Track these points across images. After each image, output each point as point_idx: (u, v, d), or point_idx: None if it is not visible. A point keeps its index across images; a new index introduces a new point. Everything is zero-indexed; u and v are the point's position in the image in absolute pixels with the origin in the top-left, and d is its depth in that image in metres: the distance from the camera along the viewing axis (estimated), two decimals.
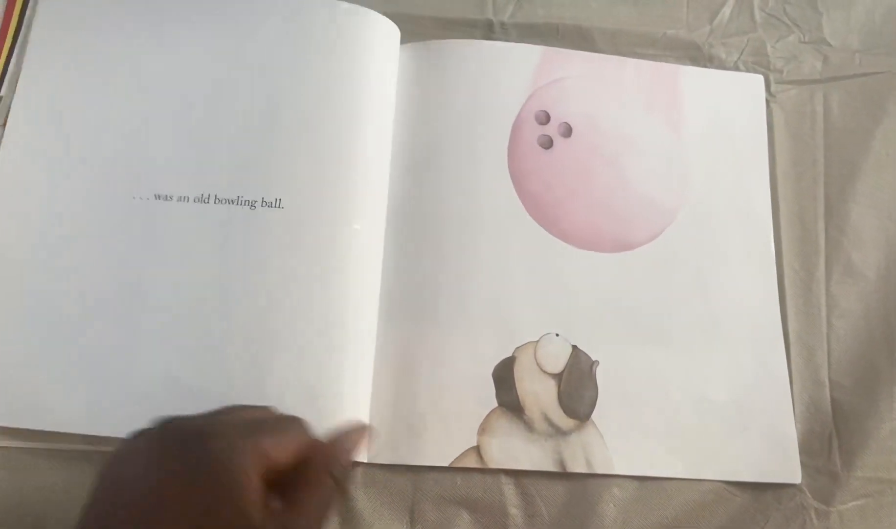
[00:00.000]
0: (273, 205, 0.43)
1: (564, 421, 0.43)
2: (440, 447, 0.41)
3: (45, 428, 0.39)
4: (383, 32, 0.47)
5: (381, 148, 0.45)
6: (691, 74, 0.50)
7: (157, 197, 0.43)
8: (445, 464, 0.41)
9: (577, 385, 0.43)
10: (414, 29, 0.49)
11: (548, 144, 0.47)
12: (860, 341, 0.46)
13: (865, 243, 0.48)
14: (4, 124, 0.44)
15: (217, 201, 0.43)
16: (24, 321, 0.41)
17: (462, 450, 0.41)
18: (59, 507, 0.39)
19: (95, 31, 0.46)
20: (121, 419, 0.38)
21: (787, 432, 0.44)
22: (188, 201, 0.43)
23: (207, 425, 0.31)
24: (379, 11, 0.48)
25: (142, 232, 0.42)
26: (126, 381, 0.40)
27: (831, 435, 0.44)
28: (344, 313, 0.42)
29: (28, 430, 0.39)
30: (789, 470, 0.43)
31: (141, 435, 0.30)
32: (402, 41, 0.48)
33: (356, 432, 0.37)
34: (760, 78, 0.50)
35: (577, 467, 0.42)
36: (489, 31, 0.49)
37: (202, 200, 0.43)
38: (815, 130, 0.50)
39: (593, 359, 0.44)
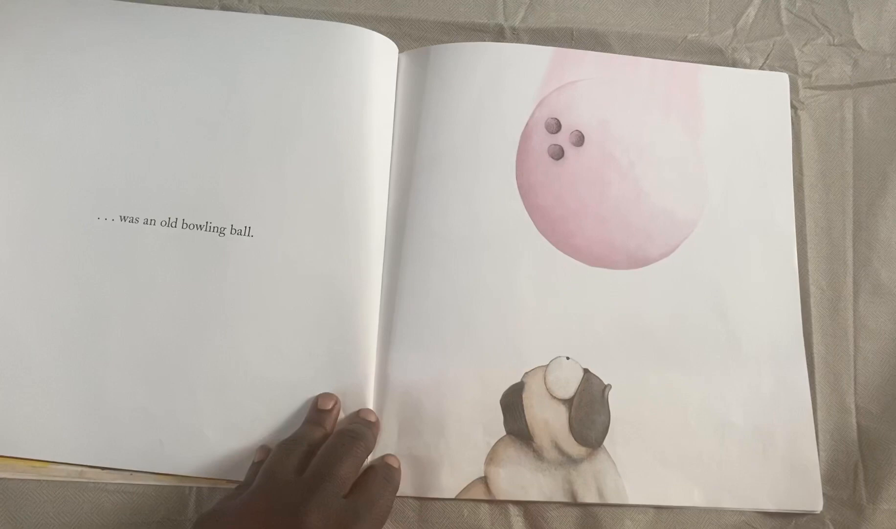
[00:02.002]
0: (242, 233, 0.41)
1: (575, 449, 0.41)
2: (446, 479, 0.40)
3: (7, 454, 0.38)
4: (377, 50, 0.45)
5: (372, 169, 0.43)
6: (711, 74, 0.47)
7: (123, 218, 0.41)
8: (452, 496, 0.39)
9: (589, 411, 0.41)
10: (420, 35, 0.46)
11: (559, 154, 0.45)
12: (889, 364, 0.44)
13: None
14: None
15: (185, 225, 0.42)
16: None
17: (469, 481, 0.40)
18: None
19: (59, 47, 0.44)
20: (88, 446, 0.39)
21: (809, 457, 0.42)
22: (155, 223, 0.41)
23: None
24: (381, 16, 0.46)
25: (107, 254, 0.41)
26: (92, 408, 0.39)
27: (857, 465, 0.42)
28: (326, 344, 0.41)
29: (20, 462, 0.38)
30: (810, 498, 0.41)
31: None
32: (407, 48, 0.46)
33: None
34: (785, 77, 0.48)
35: (589, 497, 0.40)
36: (499, 36, 0.47)
37: (169, 223, 0.42)
38: (845, 139, 0.47)
39: (606, 383, 0.42)
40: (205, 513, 0.34)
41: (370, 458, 0.40)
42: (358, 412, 0.40)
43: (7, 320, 0.40)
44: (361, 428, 0.38)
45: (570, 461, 0.41)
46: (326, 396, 0.39)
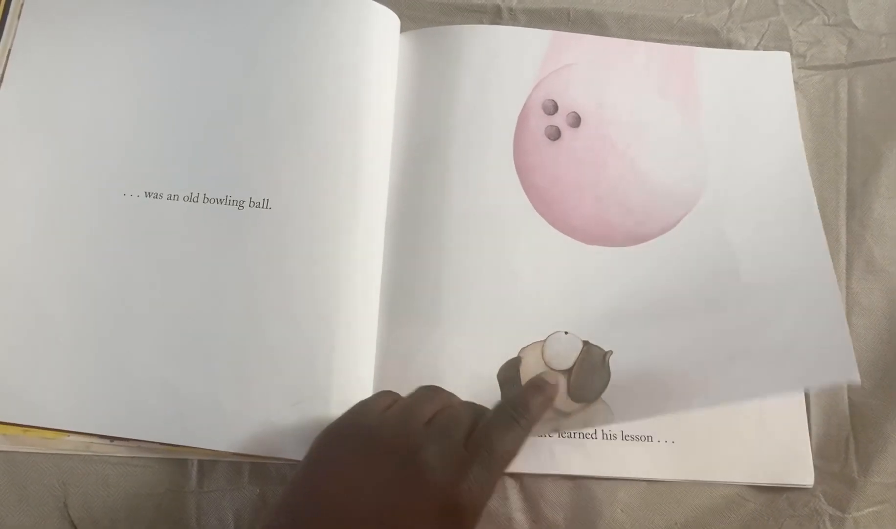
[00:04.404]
0: (261, 205, 0.42)
1: (570, 406, 0.41)
2: None
3: (30, 423, 0.39)
4: (382, 23, 0.45)
5: (378, 144, 0.44)
6: (708, 56, 0.48)
7: (148, 195, 0.42)
8: None
9: (590, 375, 0.42)
10: (417, 16, 0.47)
11: (555, 135, 0.46)
12: (881, 340, 0.44)
13: (889, 238, 0.46)
14: None
15: (206, 200, 0.42)
16: (10, 316, 0.40)
17: None
18: (61, 507, 0.39)
19: (85, 25, 0.45)
20: (108, 417, 0.39)
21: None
22: (178, 199, 0.42)
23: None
24: None
25: (132, 230, 0.42)
26: (113, 379, 0.40)
27: (848, 439, 0.43)
28: (338, 316, 0.41)
29: (31, 434, 0.39)
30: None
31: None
32: (405, 29, 0.46)
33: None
34: (787, 55, 0.48)
35: (574, 427, 0.41)
36: (497, 16, 0.48)
37: (191, 198, 0.42)
38: (839, 118, 0.48)
39: (606, 349, 0.42)
40: (333, 427, 0.36)
41: None
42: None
43: (35, 294, 0.41)
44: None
45: (563, 414, 0.41)
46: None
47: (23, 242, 0.41)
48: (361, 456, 0.34)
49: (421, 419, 0.35)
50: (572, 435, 0.41)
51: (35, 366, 0.40)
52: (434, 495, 0.32)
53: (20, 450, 0.39)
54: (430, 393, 0.37)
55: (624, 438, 0.41)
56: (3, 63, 0.44)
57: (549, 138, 0.45)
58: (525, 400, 0.37)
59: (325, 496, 0.33)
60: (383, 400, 0.37)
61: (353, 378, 0.41)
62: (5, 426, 0.39)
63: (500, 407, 0.37)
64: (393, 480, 0.33)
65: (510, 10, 0.48)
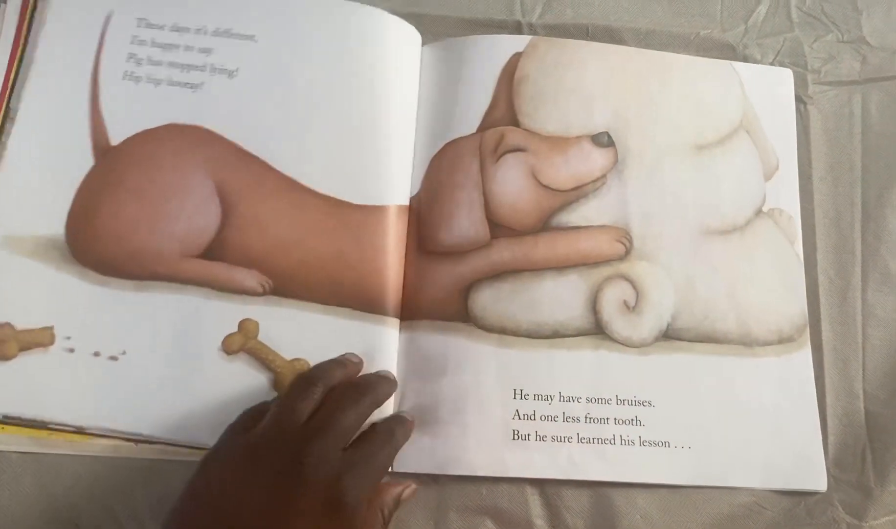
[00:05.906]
0: None
1: None
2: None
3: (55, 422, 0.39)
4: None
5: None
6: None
7: None
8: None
9: None
10: (439, 30, 0.48)
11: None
12: None
13: None
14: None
15: None
16: None
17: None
18: (89, 509, 0.39)
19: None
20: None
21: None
22: None
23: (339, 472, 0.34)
24: (403, 13, 0.47)
25: None
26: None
27: (864, 448, 0.43)
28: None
29: (55, 435, 0.40)
30: (815, 477, 0.42)
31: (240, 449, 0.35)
32: (427, 43, 0.47)
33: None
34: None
35: None
36: (517, 31, 0.49)
37: None
38: (853, 133, 0.48)
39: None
40: (211, 452, 0.36)
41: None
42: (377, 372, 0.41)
43: None
44: (373, 381, 0.39)
45: None
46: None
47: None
48: (244, 474, 0.34)
49: (297, 421, 0.35)
50: (591, 441, 0.42)
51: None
52: (316, 494, 0.33)
53: (48, 451, 0.39)
54: (303, 388, 0.37)
55: (642, 444, 0.42)
56: (27, 73, 0.44)
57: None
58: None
59: (213, 510, 0.33)
60: (256, 414, 0.37)
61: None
62: (32, 428, 0.40)
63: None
64: (276, 487, 0.33)
65: (530, 25, 0.49)
